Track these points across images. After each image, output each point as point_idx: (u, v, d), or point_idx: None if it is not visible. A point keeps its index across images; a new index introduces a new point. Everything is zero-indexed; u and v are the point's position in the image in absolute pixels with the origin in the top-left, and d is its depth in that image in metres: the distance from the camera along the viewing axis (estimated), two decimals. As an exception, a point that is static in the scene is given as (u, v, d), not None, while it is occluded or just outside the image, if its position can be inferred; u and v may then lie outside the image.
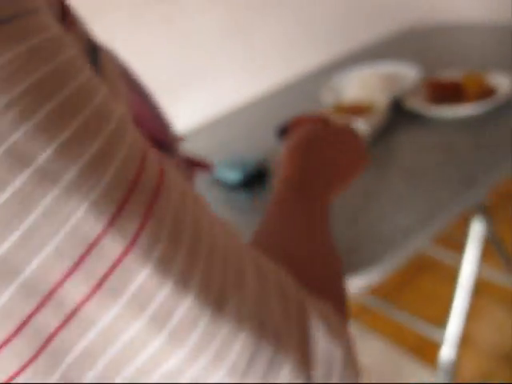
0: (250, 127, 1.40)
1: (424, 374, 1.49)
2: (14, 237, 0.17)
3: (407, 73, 1.33)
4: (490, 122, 1.05)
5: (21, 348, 0.18)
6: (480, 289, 1.66)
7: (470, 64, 1.38)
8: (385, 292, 1.76)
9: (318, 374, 0.24)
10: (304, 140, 0.44)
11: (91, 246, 0.18)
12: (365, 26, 1.78)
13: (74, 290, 0.18)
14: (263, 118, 1.43)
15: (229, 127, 1.46)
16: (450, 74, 1.24)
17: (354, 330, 1.67)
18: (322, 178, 0.41)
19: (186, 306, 0.20)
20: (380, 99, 1.15)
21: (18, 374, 0.18)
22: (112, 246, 0.19)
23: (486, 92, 1.13)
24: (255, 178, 1.07)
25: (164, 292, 0.20)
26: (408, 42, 1.73)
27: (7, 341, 0.18)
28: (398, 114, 1.18)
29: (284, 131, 0.52)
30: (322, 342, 0.25)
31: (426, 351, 1.54)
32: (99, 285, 0.18)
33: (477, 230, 1.37)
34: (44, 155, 0.17)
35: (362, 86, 1.28)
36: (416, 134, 1.10)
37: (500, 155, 0.93)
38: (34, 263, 0.17)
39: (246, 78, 1.53)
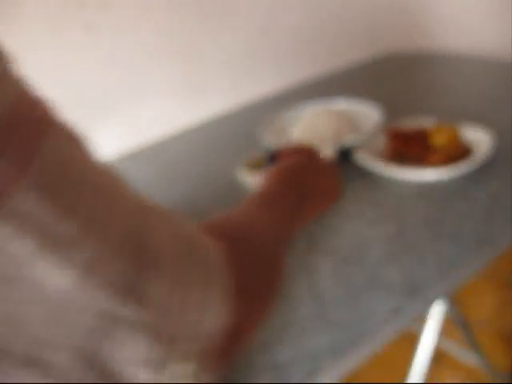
0: (174, 163, 1.14)
1: None
2: None
3: (367, 115, 1.08)
4: (461, 193, 0.80)
5: None
6: (439, 361, 1.46)
7: (446, 109, 1.14)
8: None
9: None
10: (287, 167, 0.47)
11: None
12: (330, 52, 1.54)
13: None
14: (189, 154, 1.17)
15: (150, 162, 1.20)
16: (419, 122, 1.00)
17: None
18: (294, 201, 0.43)
19: None
20: (326, 149, 0.90)
21: None
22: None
23: (460, 151, 0.89)
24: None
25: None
26: (377, 73, 1.49)
27: None
28: (347, 169, 0.93)
29: (274, 158, 0.54)
30: None
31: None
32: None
33: (437, 312, 1.12)
34: None
35: (309, 130, 1.03)
36: (363, 199, 0.85)
37: (467, 245, 0.68)
38: None
39: (179, 104, 1.28)
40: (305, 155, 0.53)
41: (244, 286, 0.28)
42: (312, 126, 1.02)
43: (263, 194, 0.42)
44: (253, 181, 0.84)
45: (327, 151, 0.89)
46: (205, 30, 1.28)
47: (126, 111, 1.23)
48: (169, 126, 1.29)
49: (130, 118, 1.23)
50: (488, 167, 0.85)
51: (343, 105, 1.14)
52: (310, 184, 0.48)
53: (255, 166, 0.86)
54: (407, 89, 1.32)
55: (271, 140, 1.01)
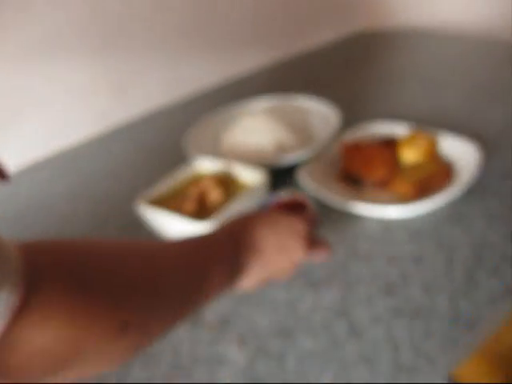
0: (79, 180, 0.91)
1: None
2: None
3: (323, 117, 0.85)
4: (435, 235, 0.58)
5: None
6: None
7: (422, 107, 0.91)
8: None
9: None
10: (246, 219, 0.44)
11: None
12: (292, 34, 1.28)
13: None
14: (100, 167, 0.93)
15: (51, 177, 0.96)
16: (386, 129, 0.77)
17: None
18: (227, 254, 0.39)
19: None
20: (254, 172, 0.67)
21: None
22: None
23: (438, 171, 0.67)
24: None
25: None
26: (343, 57, 1.25)
27: None
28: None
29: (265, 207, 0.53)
30: None
31: None
32: None
33: None
34: None
35: (241, 139, 0.80)
36: None
37: (435, 336, 0.46)
38: None
39: (97, 105, 1.02)
40: (288, 210, 0.50)
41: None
42: (246, 135, 0.79)
43: (197, 238, 0.38)
44: (154, 219, 0.61)
45: (255, 175, 0.66)
46: (128, 14, 1.02)
47: (33, 115, 0.98)
48: (83, 132, 1.04)
49: (39, 123, 0.99)
50: (473, 194, 0.63)
51: (292, 102, 0.90)
52: (267, 244, 0.42)
53: (156, 202, 0.64)
54: (376, 78, 1.09)
55: (196, 153, 0.78)
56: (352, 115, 0.89)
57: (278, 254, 0.43)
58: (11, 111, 0.98)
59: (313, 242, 0.46)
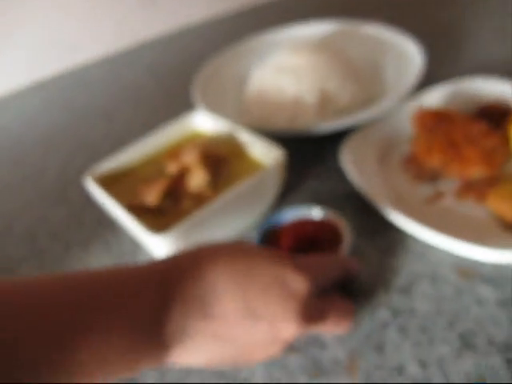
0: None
1: None
2: None
3: (400, 63, 0.57)
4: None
5: None
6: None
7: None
8: None
9: None
10: (218, 257, 0.29)
11: None
12: None
13: None
14: (100, 92, 0.73)
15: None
16: (493, 94, 0.49)
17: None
18: (160, 314, 0.26)
19: None
20: (273, 150, 0.43)
21: None
22: None
23: None
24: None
25: None
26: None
27: None
28: (331, 185, 0.46)
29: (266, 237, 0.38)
30: None
31: None
32: None
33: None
34: None
35: (274, 84, 0.55)
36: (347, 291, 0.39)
37: None
38: None
39: (111, 18, 0.79)
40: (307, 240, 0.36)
41: None
42: (278, 77, 0.54)
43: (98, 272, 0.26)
44: (103, 198, 0.40)
45: (271, 152, 0.42)
46: None
47: (20, 33, 0.77)
48: (84, 54, 0.83)
49: (26, 44, 0.78)
50: None
51: (357, 30, 0.62)
52: (225, 304, 0.27)
53: (112, 178, 0.43)
54: (486, 9, 0.75)
55: (202, 101, 0.54)
56: (440, 63, 0.60)
57: (246, 323, 0.27)
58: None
59: (323, 308, 0.29)
